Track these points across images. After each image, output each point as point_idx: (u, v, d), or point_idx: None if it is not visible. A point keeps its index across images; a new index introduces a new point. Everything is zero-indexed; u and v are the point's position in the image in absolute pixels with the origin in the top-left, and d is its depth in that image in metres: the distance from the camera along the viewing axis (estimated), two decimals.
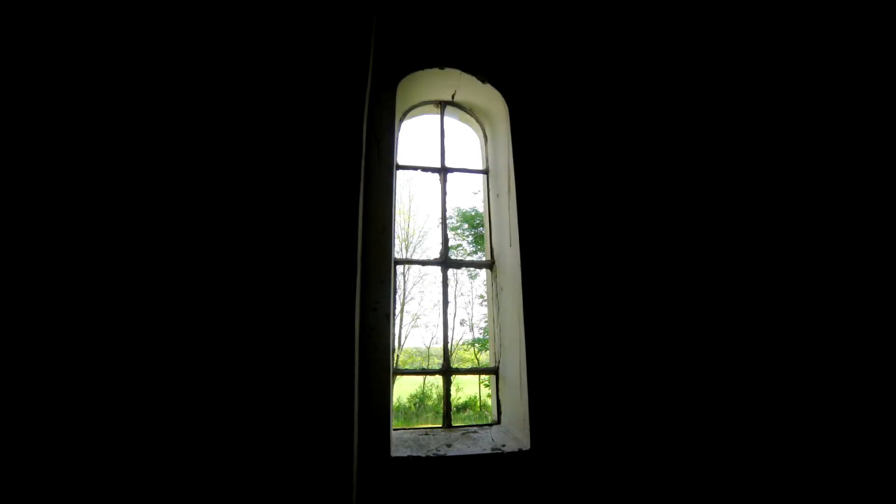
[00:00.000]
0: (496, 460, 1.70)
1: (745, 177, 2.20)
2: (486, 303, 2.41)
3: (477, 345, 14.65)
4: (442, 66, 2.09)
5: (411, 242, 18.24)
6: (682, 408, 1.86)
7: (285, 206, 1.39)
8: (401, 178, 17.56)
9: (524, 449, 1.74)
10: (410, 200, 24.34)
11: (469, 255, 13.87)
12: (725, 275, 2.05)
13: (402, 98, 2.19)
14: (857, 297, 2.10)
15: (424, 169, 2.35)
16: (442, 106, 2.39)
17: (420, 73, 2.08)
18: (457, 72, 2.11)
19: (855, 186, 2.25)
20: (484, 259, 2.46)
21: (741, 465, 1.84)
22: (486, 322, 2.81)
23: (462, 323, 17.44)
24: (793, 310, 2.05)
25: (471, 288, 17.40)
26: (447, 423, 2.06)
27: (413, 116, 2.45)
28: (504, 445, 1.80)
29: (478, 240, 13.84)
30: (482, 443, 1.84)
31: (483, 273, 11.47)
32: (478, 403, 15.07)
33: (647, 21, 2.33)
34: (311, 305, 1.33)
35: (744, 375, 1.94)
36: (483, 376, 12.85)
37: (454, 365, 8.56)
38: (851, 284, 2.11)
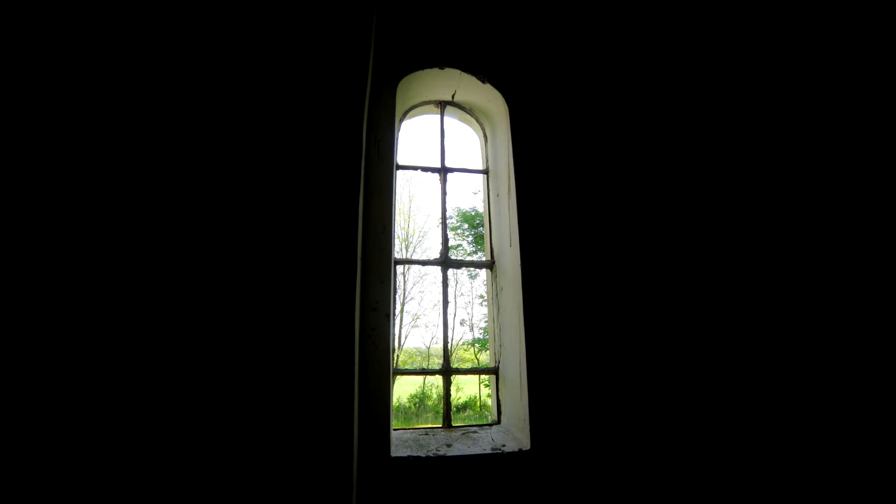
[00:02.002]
0: (496, 460, 1.70)
1: (744, 177, 2.20)
2: (486, 303, 2.41)
3: (477, 345, 14.66)
4: (442, 66, 2.09)
5: (411, 242, 18.25)
6: (682, 408, 1.86)
7: (285, 206, 1.39)
8: (401, 178, 17.57)
9: (524, 449, 1.74)
10: (410, 200, 24.35)
11: (469, 255, 13.88)
12: (725, 275, 2.05)
13: (402, 98, 2.19)
14: (855, 296, 2.10)
15: (424, 169, 2.35)
16: (442, 106, 2.39)
17: (420, 72, 2.08)
18: (457, 72, 2.11)
19: (853, 186, 2.25)
20: (484, 259, 2.46)
21: (740, 465, 1.84)
22: (486, 322, 2.81)
23: (462, 323, 17.45)
24: (792, 311, 2.05)
25: (471, 288, 17.42)
26: (447, 423, 2.06)
27: (413, 116, 2.45)
28: (504, 445, 1.79)
29: (478, 240, 13.85)
30: (482, 443, 1.84)
31: (483, 273, 11.56)
32: (478, 403, 15.08)
33: (648, 21, 2.33)
34: (311, 305, 1.33)
35: (743, 376, 1.94)
36: (483, 376, 12.86)
37: (454, 365, 8.59)
38: (850, 284, 2.11)
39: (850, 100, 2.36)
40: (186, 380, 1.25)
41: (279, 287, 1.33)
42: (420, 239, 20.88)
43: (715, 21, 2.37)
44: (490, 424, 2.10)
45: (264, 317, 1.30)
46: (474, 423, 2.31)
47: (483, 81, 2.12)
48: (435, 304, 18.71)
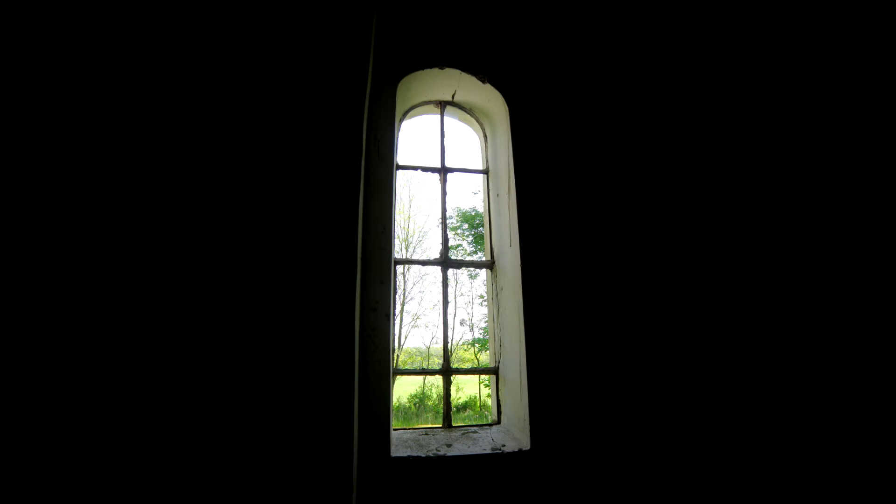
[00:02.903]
0: (496, 460, 1.70)
1: (744, 177, 2.20)
2: (486, 303, 2.41)
3: (477, 345, 14.66)
4: (442, 66, 2.09)
5: (411, 242, 18.25)
6: (682, 408, 1.86)
7: (285, 207, 1.39)
8: (401, 178, 17.59)
9: (524, 449, 1.74)
10: (410, 200, 24.36)
11: (469, 255, 13.90)
12: (725, 275, 2.05)
13: (402, 98, 2.19)
14: (854, 296, 2.10)
15: (424, 169, 2.35)
16: (442, 106, 2.39)
17: (420, 72, 2.08)
18: (457, 72, 2.11)
19: (852, 187, 2.25)
20: (484, 259, 2.46)
21: (740, 465, 1.84)
22: (486, 322, 2.81)
23: (462, 323, 17.45)
24: (792, 311, 2.05)
25: (471, 288, 17.43)
26: (447, 423, 2.06)
27: (413, 116, 2.45)
28: (504, 445, 1.80)
29: (478, 240, 13.86)
30: (482, 443, 1.84)
31: (483, 273, 11.60)
32: (478, 403, 15.08)
33: (648, 21, 2.33)
34: (311, 305, 1.33)
35: (742, 376, 1.94)
36: (483, 376, 12.87)
37: (454, 365, 8.59)
38: (849, 284, 2.11)
39: (848, 101, 2.36)
40: (187, 381, 1.25)
41: (279, 287, 1.33)
42: (420, 239, 20.89)
43: (714, 22, 2.37)
44: (490, 424, 2.10)
45: (265, 317, 1.30)
46: (474, 423, 2.31)
47: (483, 81, 2.12)
48: (435, 304, 18.72)
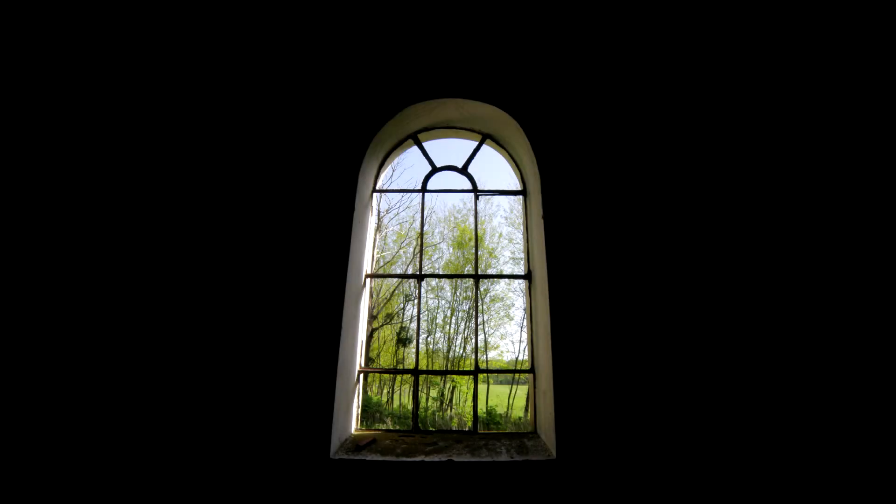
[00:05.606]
0: (521, 468, 1.79)
1: (774, 195, 2.14)
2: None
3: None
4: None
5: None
6: (708, 418, 1.85)
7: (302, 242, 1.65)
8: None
9: (551, 458, 1.82)
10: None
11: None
12: (748, 289, 2.00)
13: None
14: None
15: (457, 191, 2.58)
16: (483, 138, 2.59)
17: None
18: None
19: (868, 199, 2.13)
20: (515, 273, 2.59)
21: (773, 477, 1.80)
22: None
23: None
24: (822, 317, 1.96)
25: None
26: (474, 429, 2.18)
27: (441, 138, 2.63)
28: (531, 454, 1.88)
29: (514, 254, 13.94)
30: (507, 451, 1.95)
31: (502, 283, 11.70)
32: (471, 412, 14.73)
33: (664, 55, 2.37)
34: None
35: (762, 381, 1.89)
36: (482, 386, 12.37)
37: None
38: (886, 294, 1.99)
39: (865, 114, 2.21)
40: (187, 382, 1.55)
41: (299, 321, 1.81)
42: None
43: (741, 40, 2.35)
44: (525, 434, 2.17)
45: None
46: (511, 432, 2.28)
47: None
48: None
